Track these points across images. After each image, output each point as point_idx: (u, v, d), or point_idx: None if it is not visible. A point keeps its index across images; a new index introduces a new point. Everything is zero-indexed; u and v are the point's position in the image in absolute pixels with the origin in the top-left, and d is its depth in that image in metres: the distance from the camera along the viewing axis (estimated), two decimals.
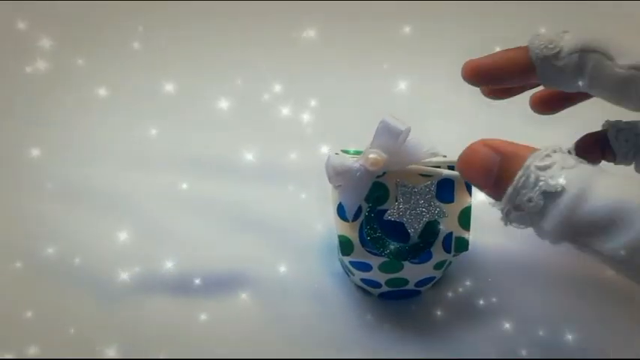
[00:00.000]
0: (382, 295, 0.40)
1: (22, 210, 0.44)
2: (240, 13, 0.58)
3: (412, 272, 0.36)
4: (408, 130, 0.31)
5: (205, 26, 0.57)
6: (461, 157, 0.27)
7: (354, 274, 0.38)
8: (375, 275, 0.37)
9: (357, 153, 0.33)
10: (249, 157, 0.47)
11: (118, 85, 0.51)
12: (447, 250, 0.34)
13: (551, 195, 0.23)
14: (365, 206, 0.34)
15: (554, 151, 0.24)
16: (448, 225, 0.34)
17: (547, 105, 0.35)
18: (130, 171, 0.47)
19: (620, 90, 0.28)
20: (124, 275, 0.41)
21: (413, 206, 0.33)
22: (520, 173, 0.23)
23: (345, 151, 0.34)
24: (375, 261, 0.35)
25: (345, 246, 0.34)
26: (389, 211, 0.33)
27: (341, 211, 0.34)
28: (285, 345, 0.38)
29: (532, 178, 0.23)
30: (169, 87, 0.51)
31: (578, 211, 0.22)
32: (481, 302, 0.40)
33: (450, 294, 0.40)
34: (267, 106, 0.49)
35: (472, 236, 0.35)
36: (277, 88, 0.49)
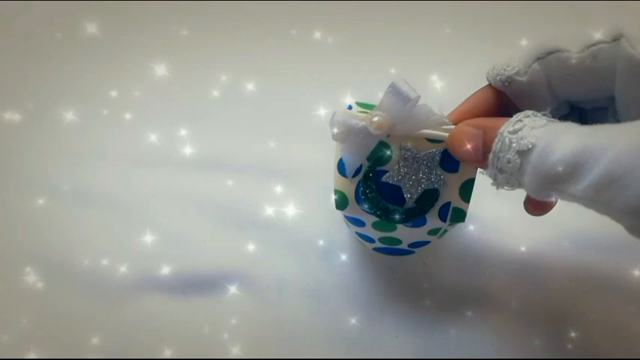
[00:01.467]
0: (377, 250, 0.41)
1: (30, 213, 0.45)
2: (271, 11, 0.54)
3: (406, 234, 0.36)
4: (417, 99, 0.30)
5: (223, 24, 0.54)
6: (450, 139, 0.30)
7: (349, 227, 0.39)
8: (369, 231, 0.37)
9: (371, 107, 0.32)
10: (252, 156, 0.47)
11: (127, 86, 0.50)
12: (443, 219, 0.34)
13: (524, 152, 0.25)
14: (365, 164, 0.33)
15: (527, 116, 0.26)
16: (448, 194, 0.33)
17: (539, 206, 0.34)
18: (140, 172, 0.47)
19: (593, 71, 0.28)
20: (125, 275, 0.42)
21: (414, 172, 0.32)
22: (496, 140, 0.27)
23: (360, 104, 0.33)
24: (368, 218, 0.35)
25: (340, 201, 0.34)
26: (388, 173, 0.33)
27: (341, 167, 0.34)
28: (284, 344, 0.40)
29: (506, 141, 0.26)
30: (182, 88, 0.50)
31: (547, 161, 0.24)
32: (483, 301, 0.40)
33: (452, 292, 0.40)
34: (279, 105, 0.49)
35: (476, 226, 0.34)
36: (307, 87, 0.49)
